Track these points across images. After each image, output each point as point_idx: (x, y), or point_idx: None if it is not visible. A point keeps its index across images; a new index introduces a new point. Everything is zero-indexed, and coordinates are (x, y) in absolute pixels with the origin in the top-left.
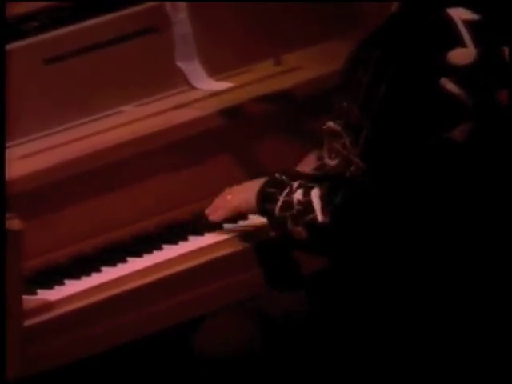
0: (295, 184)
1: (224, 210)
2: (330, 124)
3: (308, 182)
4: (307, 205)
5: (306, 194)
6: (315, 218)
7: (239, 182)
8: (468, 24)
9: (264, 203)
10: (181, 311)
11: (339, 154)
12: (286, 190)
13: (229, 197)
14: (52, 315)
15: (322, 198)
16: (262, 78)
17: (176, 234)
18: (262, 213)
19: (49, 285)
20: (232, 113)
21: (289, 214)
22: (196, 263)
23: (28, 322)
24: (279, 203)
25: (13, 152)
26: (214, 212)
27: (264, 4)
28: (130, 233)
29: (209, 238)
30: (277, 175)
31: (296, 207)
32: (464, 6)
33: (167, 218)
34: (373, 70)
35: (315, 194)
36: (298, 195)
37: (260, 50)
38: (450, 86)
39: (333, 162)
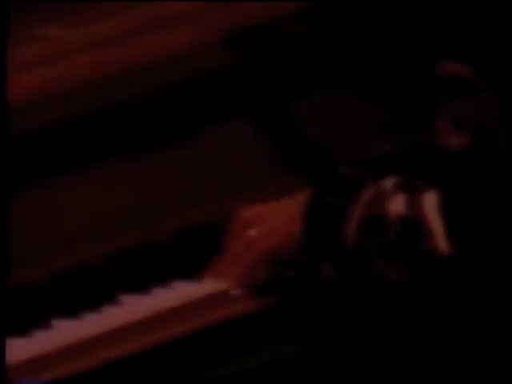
0: (388, 183)
1: (250, 259)
2: (458, 66)
3: (411, 179)
4: (417, 223)
5: (413, 203)
6: (435, 246)
7: None
8: None
9: (318, 226)
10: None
11: (471, 121)
12: (367, 196)
13: (252, 232)
14: None
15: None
16: None
17: None
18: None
19: None
20: None
21: (378, 240)
22: None
23: None
24: (353, 222)
25: None
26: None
27: None
28: None
29: None
30: (341, 170)
31: (393, 227)
32: None
33: None
34: None
35: (430, 204)
36: (397, 206)
37: None
38: None
39: (458, 139)
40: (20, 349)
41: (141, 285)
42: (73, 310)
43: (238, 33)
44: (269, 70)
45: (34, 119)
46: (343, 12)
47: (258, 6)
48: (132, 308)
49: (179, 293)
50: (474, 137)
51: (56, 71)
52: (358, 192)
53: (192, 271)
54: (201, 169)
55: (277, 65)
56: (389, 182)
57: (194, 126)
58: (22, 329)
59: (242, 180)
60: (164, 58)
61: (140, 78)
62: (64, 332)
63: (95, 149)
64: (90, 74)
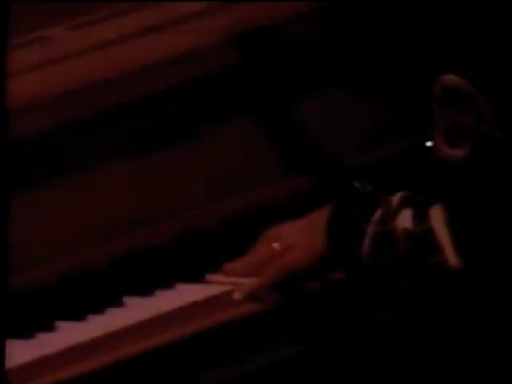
0: (395, 199)
1: (270, 273)
2: (453, 79)
3: (417, 194)
4: (425, 238)
5: (420, 218)
6: (444, 261)
7: None
8: None
9: (339, 242)
10: None
11: (469, 133)
12: (378, 213)
13: (275, 245)
14: None
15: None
16: None
17: None
18: (337, 262)
19: None
20: None
21: (389, 256)
22: None
23: None
24: (367, 239)
25: None
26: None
27: None
28: None
29: None
30: (356, 184)
31: (402, 243)
32: None
33: None
34: None
35: (436, 218)
36: (404, 221)
37: None
38: None
39: (458, 152)
40: (24, 351)
41: (144, 287)
42: (76, 312)
43: (238, 34)
44: (269, 71)
45: (35, 120)
46: (343, 12)
47: (257, 7)
48: (135, 310)
49: (182, 295)
50: (472, 147)
51: (57, 73)
52: (373, 208)
53: (195, 273)
54: (201, 169)
55: (277, 65)
56: (396, 198)
57: (193, 126)
58: (26, 331)
59: (242, 180)
60: (165, 60)
61: (141, 80)
62: (68, 334)
63: (96, 149)
64: (91, 75)
